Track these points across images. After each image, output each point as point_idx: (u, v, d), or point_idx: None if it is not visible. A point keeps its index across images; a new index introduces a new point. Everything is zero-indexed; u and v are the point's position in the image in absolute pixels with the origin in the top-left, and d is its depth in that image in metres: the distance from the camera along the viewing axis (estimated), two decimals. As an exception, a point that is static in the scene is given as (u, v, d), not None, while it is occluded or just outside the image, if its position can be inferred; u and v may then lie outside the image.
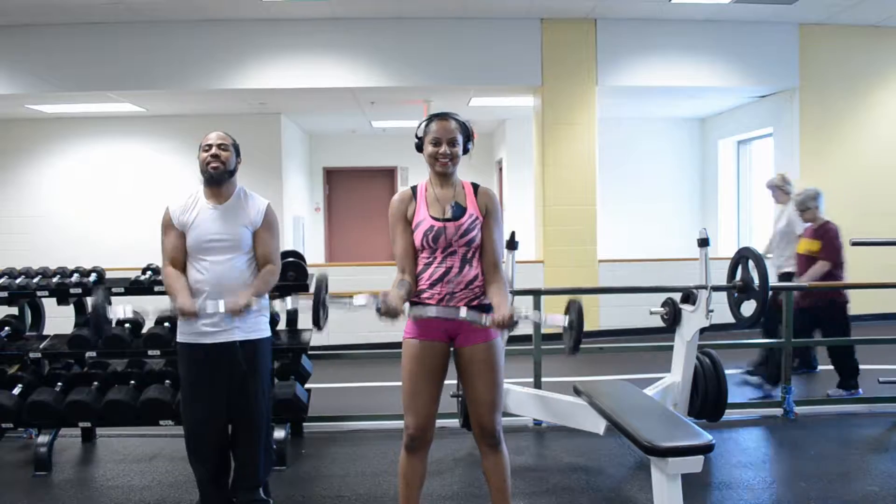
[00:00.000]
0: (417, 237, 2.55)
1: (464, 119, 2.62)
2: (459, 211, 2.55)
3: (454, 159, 2.55)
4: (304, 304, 3.07)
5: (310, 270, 4.07)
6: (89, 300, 2.84)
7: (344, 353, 5.32)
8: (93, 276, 4.03)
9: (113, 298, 3.94)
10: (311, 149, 11.61)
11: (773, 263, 5.66)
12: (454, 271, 2.52)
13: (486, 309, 2.53)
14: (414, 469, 2.58)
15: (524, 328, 4.43)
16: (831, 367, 5.05)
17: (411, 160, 11.07)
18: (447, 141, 2.53)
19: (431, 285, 2.53)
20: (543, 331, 4.54)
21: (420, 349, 2.53)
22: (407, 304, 2.49)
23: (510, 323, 2.38)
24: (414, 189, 2.63)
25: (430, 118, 2.60)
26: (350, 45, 7.11)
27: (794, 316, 4.62)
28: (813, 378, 5.58)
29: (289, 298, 3.23)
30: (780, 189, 5.74)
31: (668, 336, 4.04)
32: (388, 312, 2.33)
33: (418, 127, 2.62)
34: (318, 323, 2.55)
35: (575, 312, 2.46)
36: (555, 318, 2.52)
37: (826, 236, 5.05)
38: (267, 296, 3.06)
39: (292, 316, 4.30)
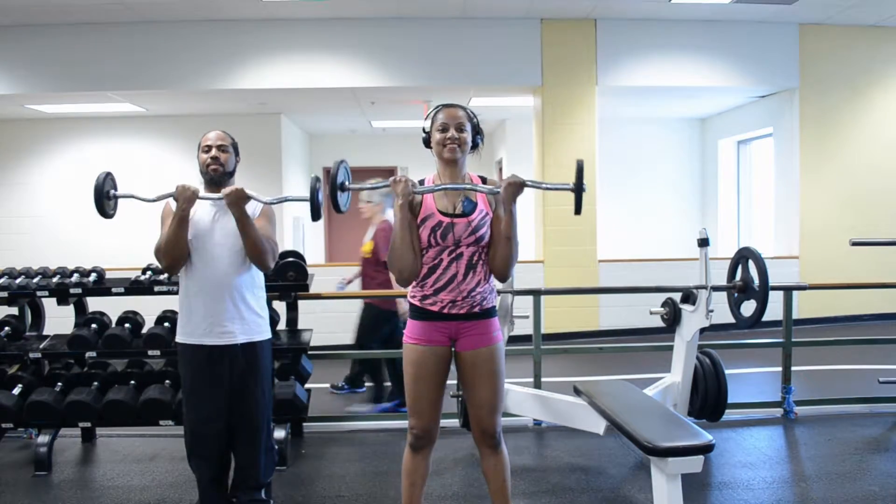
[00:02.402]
0: (424, 233, 2.49)
1: (471, 111, 2.59)
2: (470, 206, 2.50)
3: (462, 145, 2.50)
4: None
5: (310, 270, 4.08)
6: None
7: (344, 353, 5.32)
8: (93, 276, 4.03)
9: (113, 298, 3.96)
10: (311, 149, 11.61)
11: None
12: (458, 279, 2.49)
13: (488, 313, 2.54)
14: (418, 467, 2.59)
15: (524, 328, 4.48)
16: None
17: (411, 160, 11.06)
18: (455, 126, 2.49)
19: (436, 292, 2.51)
20: (543, 331, 4.55)
21: (421, 354, 2.52)
22: (407, 308, 2.48)
23: (519, 181, 2.40)
24: (422, 182, 2.56)
25: (437, 108, 2.57)
26: (350, 45, 7.12)
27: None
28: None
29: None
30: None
31: (668, 336, 4.04)
32: (404, 192, 2.43)
33: (425, 119, 2.59)
34: (337, 208, 2.64)
35: (577, 176, 2.48)
36: (558, 185, 2.61)
37: (378, 235, 4.70)
38: (266, 297, 3.09)
39: (291, 311, 4.30)
